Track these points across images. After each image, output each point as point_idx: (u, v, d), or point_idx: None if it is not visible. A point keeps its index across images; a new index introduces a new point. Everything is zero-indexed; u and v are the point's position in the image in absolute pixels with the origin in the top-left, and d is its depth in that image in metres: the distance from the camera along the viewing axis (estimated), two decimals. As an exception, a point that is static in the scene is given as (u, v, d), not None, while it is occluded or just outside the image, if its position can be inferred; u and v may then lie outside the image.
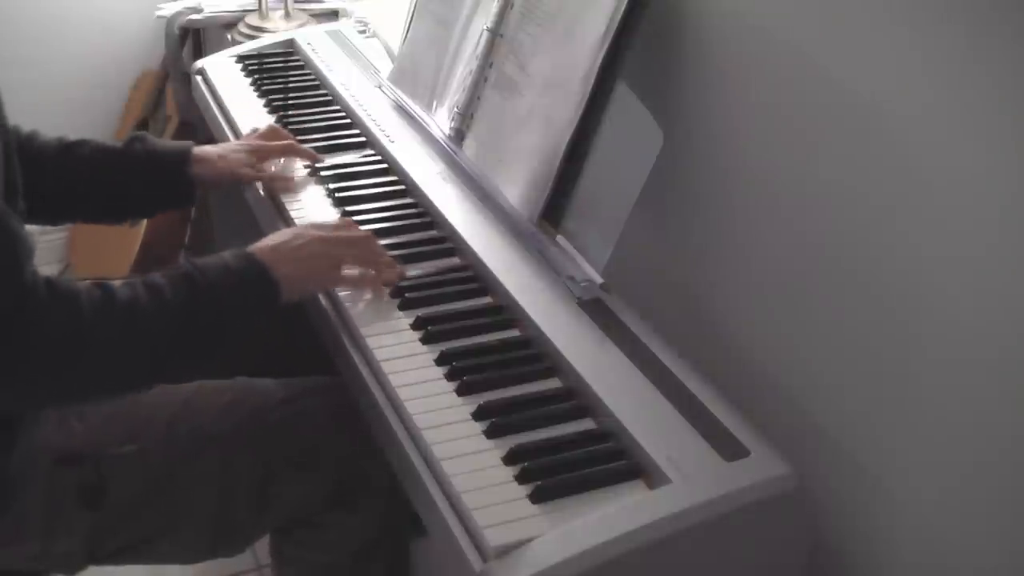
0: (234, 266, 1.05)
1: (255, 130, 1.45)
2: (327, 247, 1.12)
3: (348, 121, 1.53)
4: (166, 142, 1.37)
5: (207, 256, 1.06)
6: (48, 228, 2.50)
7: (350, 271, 1.14)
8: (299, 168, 1.41)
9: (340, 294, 1.14)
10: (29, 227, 1.12)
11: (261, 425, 1.15)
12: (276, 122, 1.53)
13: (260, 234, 1.17)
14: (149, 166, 1.33)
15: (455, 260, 1.21)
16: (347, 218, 1.26)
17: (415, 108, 1.48)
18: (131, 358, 0.99)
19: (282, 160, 1.42)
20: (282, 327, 1.25)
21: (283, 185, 1.37)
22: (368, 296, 1.14)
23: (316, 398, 1.18)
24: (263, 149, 1.39)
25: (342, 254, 1.13)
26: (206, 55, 1.87)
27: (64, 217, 1.41)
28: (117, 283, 1.00)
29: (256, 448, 1.14)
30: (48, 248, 2.50)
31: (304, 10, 2.13)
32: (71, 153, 1.30)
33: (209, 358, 1.05)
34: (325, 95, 1.61)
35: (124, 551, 1.14)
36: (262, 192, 1.38)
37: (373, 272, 1.15)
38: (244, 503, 1.14)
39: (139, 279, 1.01)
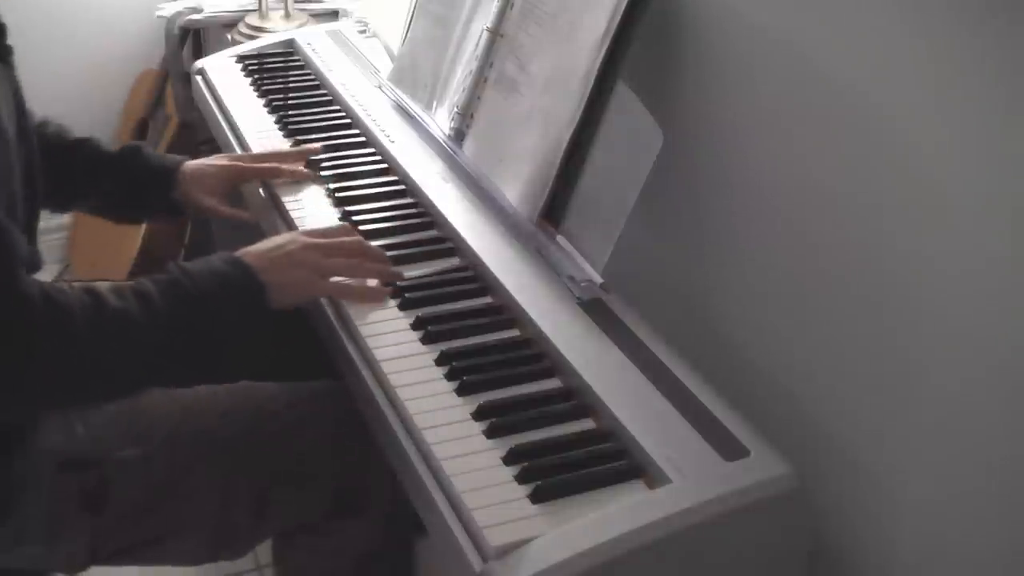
0: (221, 270, 1.05)
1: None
2: (316, 255, 1.11)
3: (348, 121, 1.53)
4: (158, 158, 1.37)
5: (195, 260, 1.06)
6: (48, 227, 2.50)
7: (338, 280, 1.13)
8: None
9: (340, 294, 1.14)
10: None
11: (264, 430, 1.15)
12: (276, 122, 1.53)
13: (260, 235, 1.16)
14: (136, 181, 1.34)
15: (455, 260, 1.21)
16: (344, 224, 1.24)
17: (415, 108, 1.48)
18: (124, 366, 0.99)
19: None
20: (284, 332, 1.25)
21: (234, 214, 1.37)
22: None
23: (318, 403, 1.18)
24: (241, 173, 1.37)
25: (330, 264, 1.12)
26: (206, 55, 1.87)
27: (65, 207, 1.43)
28: (106, 288, 0.99)
29: (258, 453, 1.14)
30: (48, 248, 2.50)
31: (304, 10, 2.13)
32: (73, 150, 1.32)
33: (202, 364, 1.05)
34: (325, 95, 1.61)
35: (125, 553, 1.13)
36: (261, 192, 1.37)
37: (358, 285, 1.13)
38: (246, 508, 1.14)
39: (128, 285, 1.01)
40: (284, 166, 1.38)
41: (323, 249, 1.12)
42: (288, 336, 1.25)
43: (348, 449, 1.15)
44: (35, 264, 1.06)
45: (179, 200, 1.34)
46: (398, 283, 1.15)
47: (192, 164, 1.36)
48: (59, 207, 1.40)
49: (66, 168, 1.30)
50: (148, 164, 1.35)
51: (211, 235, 2.22)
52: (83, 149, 1.33)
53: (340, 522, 1.17)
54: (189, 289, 1.01)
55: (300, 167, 1.38)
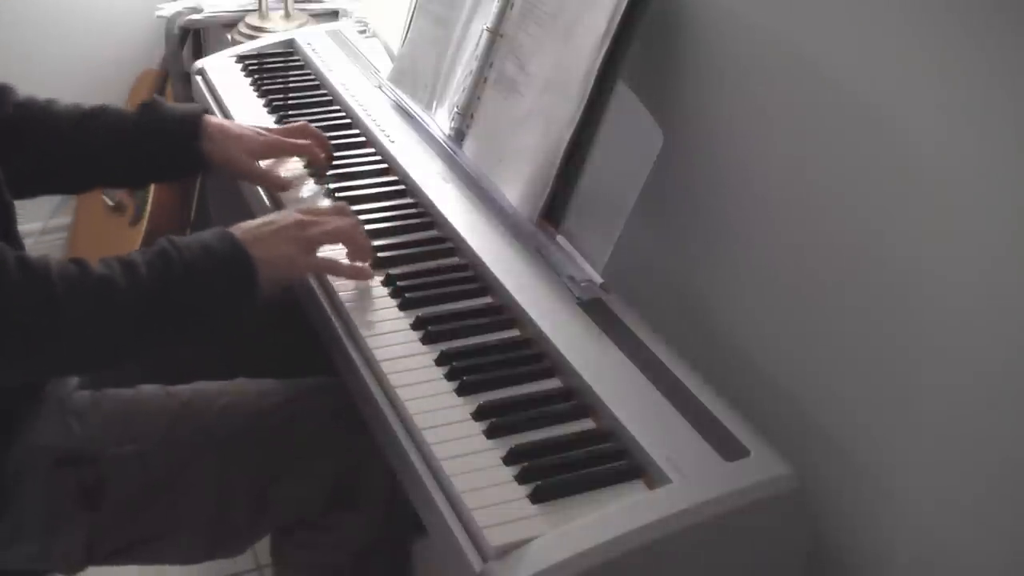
0: (210, 243, 1.05)
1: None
2: (304, 230, 1.10)
3: (348, 121, 1.53)
4: (178, 107, 1.33)
5: (185, 236, 1.05)
6: (48, 228, 2.50)
7: (324, 256, 1.12)
8: (296, 167, 1.39)
9: (340, 294, 1.14)
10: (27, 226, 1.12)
11: (261, 426, 1.15)
12: (276, 122, 1.52)
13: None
14: (160, 137, 1.29)
15: (455, 260, 1.21)
16: (340, 203, 1.24)
17: (415, 108, 1.48)
18: (105, 332, 0.99)
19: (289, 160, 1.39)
20: (282, 327, 1.25)
21: (278, 183, 1.34)
22: (364, 289, 1.14)
23: (316, 399, 1.18)
24: (277, 146, 1.35)
25: (318, 238, 1.11)
26: (206, 55, 1.87)
27: (83, 185, 1.41)
28: (95, 260, 0.99)
29: (256, 449, 1.14)
30: (48, 248, 2.50)
31: (304, 10, 2.13)
32: (87, 122, 1.28)
33: (187, 335, 1.04)
34: (325, 95, 1.61)
35: (123, 552, 1.14)
36: (261, 192, 1.37)
37: (346, 261, 1.13)
38: (244, 505, 1.14)
39: (116, 256, 1.01)
40: (315, 147, 1.37)
41: (309, 225, 1.11)
42: (284, 331, 1.25)
43: (345, 444, 1.15)
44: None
45: (204, 153, 1.29)
46: (397, 283, 1.15)
47: (217, 119, 1.33)
48: (76, 184, 1.37)
49: (85, 138, 1.27)
50: (171, 113, 1.30)
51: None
52: (100, 116, 1.29)
53: (338, 517, 1.17)
54: (175, 259, 1.01)
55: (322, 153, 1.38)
